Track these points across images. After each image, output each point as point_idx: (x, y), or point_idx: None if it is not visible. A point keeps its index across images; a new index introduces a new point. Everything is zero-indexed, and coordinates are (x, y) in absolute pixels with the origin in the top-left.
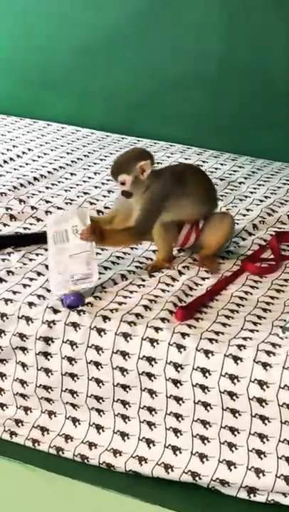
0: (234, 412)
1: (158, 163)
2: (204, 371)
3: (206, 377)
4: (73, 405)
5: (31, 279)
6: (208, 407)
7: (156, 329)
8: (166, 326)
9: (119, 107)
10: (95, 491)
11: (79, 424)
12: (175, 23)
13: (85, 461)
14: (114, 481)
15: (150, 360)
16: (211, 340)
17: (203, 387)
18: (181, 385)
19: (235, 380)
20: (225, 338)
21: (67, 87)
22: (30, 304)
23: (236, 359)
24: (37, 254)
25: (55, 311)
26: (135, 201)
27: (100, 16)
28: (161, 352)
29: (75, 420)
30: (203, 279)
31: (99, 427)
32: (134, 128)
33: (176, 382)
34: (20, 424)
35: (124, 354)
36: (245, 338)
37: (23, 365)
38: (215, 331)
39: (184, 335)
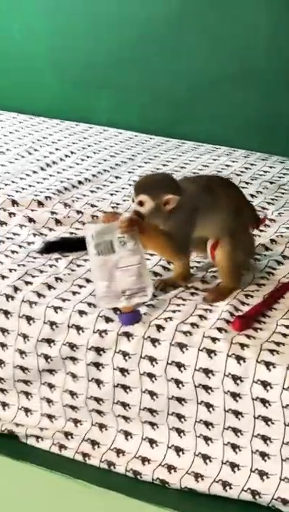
0: None
1: (204, 166)
2: (265, 384)
3: (267, 391)
4: (125, 418)
5: (80, 286)
6: (270, 422)
7: (214, 339)
8: (223, 336)
9: (162, 108)
10: (149, 508)
11: (131, 438)
12: (219, 21)
13: (138, 476)
14: (170, 499)
15: (207, 372)
16: (272, 351)
17: (264, 401)
18: (240, 398)
19: None
20: (287, 350)
21: (108, 88)
22: (81, 313)
23: None
24: (85, 260)
25: (107, 320)
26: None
27: (139, 15)
28: (219, 364)
29: (127, 434)
30: (259, 285)
31: (152, 442)
32: (177, 130)
33: (234, 396)
34: (70, 437)
35: (179, 365)
36: None
37: (73, 375)
38: (275, 342)
39: (242, 346)
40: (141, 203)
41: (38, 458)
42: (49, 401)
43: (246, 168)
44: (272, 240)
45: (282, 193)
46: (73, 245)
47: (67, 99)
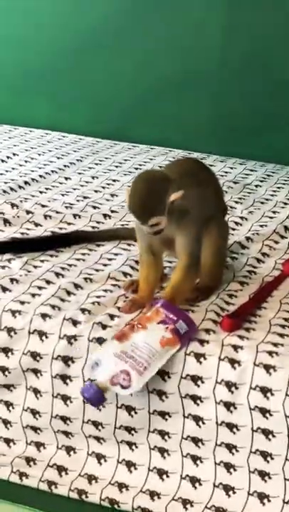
0: None
1: (160, 167)
2: (265, 391)
3: (268, 399)
4: (98, 439)
5: (40, 288)
6: (270, 435)
7: (201, 342)
8: (212, 337)
9: (109, 112)
10: None
11: (105, 461)
12: (171, 20)
13: (115, 506)
14: None
15: (196, 379)
16: (270, 353)
17: (264, 411)
18: (235, 408)
19: None
20: (287, 351)
21: (50, 91)
22: (44, 316)
23: None
24: (42, 261)
25: (75, 323)
26: (172, 229)
27: (87, 15)
28: (209, 369)
29: (100, 457)
30: (242, 284)
31: (130, 464)
32: (127, 133)
33: (228, 406)
34: (32, 463)
35: (162, 374)
36: None
37: (36, 391)
38: (273, 343)
39: (236, 347)
40: (155, 225)
41: None
42: (6, 422)
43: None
44: (248, 238)
45: (249, 193)
46: (26, 246)
47: (4, 106)
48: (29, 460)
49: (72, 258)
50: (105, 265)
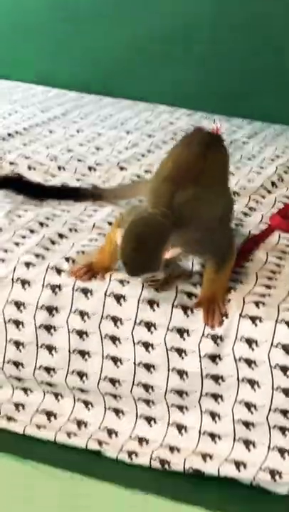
0: (287, 392)
1: (146, 122)
2: (250, 342)
3: (253, 350)
4: (82, 390)
5: (24, 237)
6: (256, 386)
7: (189, 295)
8: (200, 290)
9: (95, 66)
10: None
11: (92, 407)
12: None
13: (102, 450)
14: (135, 477)
15: (182, 332)
16: (256, 303)
17: (249, 362)
18: (220, 360)
19: None
20: (273, 302)
21: (37, 44)
22: (28, 265)
23: None
24: (25, 210)
25: (59, 272)
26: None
27: None
28: (195, 322)
29: (87, 403)
30: None
31: (117, 412)
32: (112, 88)
33: (214, 358)
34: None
35: (149, 325)
36: None
37: (17, 343)
38: (259, 293)
39: None
40: (148, 279)
41: None
42: None
43: (192, 126)
44: (235, 193)
45: (236, 149)
46: (29, 189)
47: None
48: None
49: (57, 208)
50: (90, 216)
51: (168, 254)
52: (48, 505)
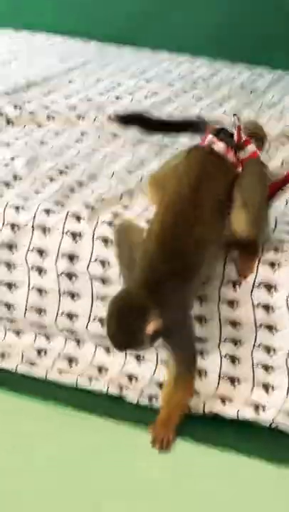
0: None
1: (166, 71)
2: (269, 287)
3: (272, 296)
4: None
5: (43, 185)
6: (274, 330)
7: None
8: None
9: (115, 15)
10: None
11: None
12: None
13: (122, 393)
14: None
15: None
16: (276, 249)
17: (267, 307)
18: (238, 306)
19: None
20: None
21: None
22: (47, 212)
23: None
24: (45, 160)
25: (78, 219)
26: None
27: None
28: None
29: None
30: None
31: (138, 358)
32: (132, 38)
33: (231, 304)
34: (42, 354)
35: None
36: None
37: (40, 290)
38: (278, 239)
39: None
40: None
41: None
42: (11, 320)
43: (212, 75)
44: None
45: (256, 98)
46: (150, 124)
47: (5, 6)
48: (40, 351)
49: (76, 157)
50: (109, 164)
51: (150, 328)
52: (70, 446)
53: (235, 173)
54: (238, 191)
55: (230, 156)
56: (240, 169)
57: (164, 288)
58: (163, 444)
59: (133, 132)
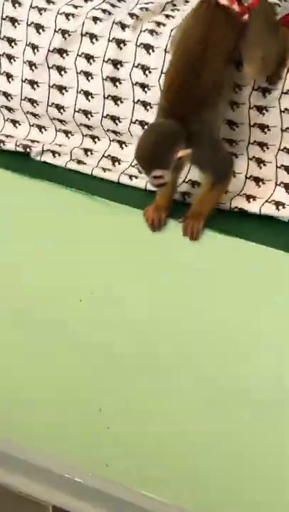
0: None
1: None
2: None
3: None
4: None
5: None
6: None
7: None
8: None
9: None
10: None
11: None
12: None
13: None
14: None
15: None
16: None
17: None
18: (267, 111)
19: None
20: None
21: None
22: (95, 19)
23: None
24: None
25: (124, 27)
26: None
27: None
28: None
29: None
30: None
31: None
32: None
33: (261, 109)
34: (89, 153)
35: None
36: None
37: (86, 93)
38: None
39: None
40: (158, 178)
41: (55, 175)
42: (60, 121)
43: None
44: None
45: None
46: None
47: None
48: (86, 150)
49: None
50: None
51: (180, 153)
52: (107, 237)
53: (241, 22)
54: (248, 37)
55: (235, 7)
56: (246, 17)
57: (188, 120)
58: (193, 234)
59: None
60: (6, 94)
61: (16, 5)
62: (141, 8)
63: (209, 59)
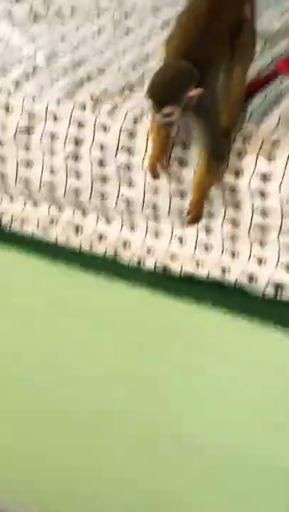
0: None
1: None
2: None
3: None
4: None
5: None
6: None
7: None
8: None
9: None
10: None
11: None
12: None
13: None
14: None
15: None
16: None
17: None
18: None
19: None
20: None
21: None
22: None
23: None
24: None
25: None
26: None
27: None
28: None
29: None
30: None
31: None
32: None
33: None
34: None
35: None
36: None
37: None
38: None
39: None
40: (167, 115)
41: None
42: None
43: None
44: None
45: None
46: None
47: None
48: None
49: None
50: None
51: (192, 92)
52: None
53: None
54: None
55: None
56: None
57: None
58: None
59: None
60: None
61: None
62: None
63: (215, 30)
